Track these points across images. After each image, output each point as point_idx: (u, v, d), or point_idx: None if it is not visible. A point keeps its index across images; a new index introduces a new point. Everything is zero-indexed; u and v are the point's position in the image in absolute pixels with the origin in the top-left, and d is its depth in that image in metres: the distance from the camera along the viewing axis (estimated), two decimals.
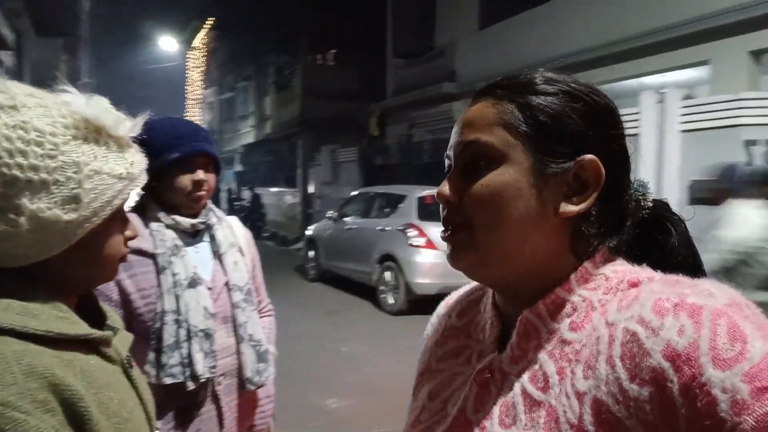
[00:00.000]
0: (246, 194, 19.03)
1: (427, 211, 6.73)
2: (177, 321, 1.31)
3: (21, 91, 0.57)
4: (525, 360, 0.54)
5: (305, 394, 3.98)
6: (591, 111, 0.54)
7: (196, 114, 28.16)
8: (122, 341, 0.73)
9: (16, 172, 0.53)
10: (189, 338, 1.31)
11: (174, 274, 1.35)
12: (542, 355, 0.52)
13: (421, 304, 6.48)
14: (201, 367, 1.30)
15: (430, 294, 6.35)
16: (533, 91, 0.55)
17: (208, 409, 1.36)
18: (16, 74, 9.15)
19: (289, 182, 17.31)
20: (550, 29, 8.69)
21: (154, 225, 1.37)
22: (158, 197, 1.39)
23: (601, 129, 0.54)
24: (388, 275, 6.60)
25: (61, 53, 12.77)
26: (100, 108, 0.59)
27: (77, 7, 13.67)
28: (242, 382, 1.44)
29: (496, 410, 0.53)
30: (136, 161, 0.66)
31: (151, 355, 1.29)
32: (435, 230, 6.38)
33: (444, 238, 0.57)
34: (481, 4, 10.53)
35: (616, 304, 0.50)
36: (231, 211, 15.43)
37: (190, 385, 1.29)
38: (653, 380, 0.43)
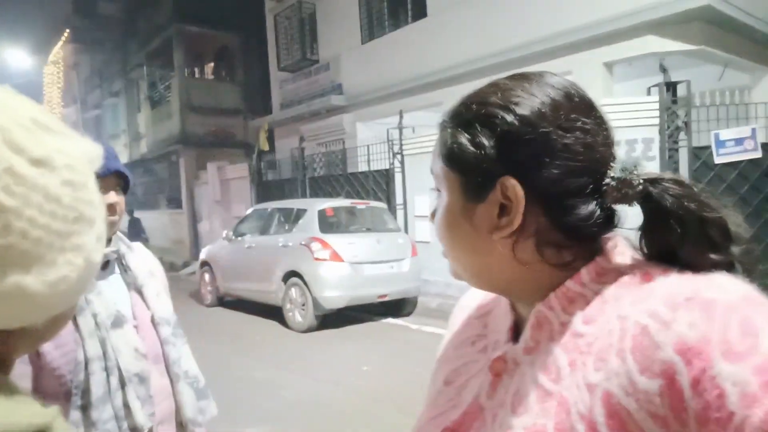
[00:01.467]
0: (123, 219, 17.49)
1: (328, 223, 6.66)
2: (106, 368, 1.15)
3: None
4: (538, 351, 0.54)
5: (221, 427, 3.73)
6: (508, 130, 0.52)
7: None
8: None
9: (82, 207, 0.43)
10: (122, 386, 1.16)
11: (94, 315, 1.19)
12: (555, 347, 0.52)
13: (331, 318, 6.41)
14: (141, 416, 1.16)
15: (339, 307, 6.31)
16: (457, 122, 0.56)
17: None
18: None
19: (173, 203, 16.21)
20: (426, 44, 9.13)
21: None
22: None
23: (520, 146, 0.52)
24: (294, 292, 6.42)
25: None
26: (88, 144, 0.50)
27: None
28: (182, 424, 1.30)
29: (509, 399, 0.54)
30: None
31: (75, 414, 1.11)
32: (339, 242, 6.35)
33: None
34: (362, 20, 10.76)
35: (629, 297, 0.50)
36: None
37: None
38: (663, 373, 0.43)
